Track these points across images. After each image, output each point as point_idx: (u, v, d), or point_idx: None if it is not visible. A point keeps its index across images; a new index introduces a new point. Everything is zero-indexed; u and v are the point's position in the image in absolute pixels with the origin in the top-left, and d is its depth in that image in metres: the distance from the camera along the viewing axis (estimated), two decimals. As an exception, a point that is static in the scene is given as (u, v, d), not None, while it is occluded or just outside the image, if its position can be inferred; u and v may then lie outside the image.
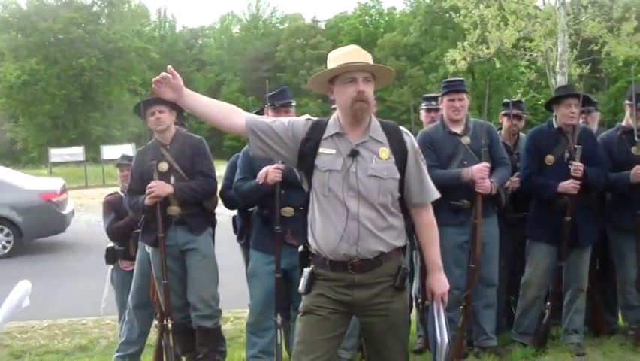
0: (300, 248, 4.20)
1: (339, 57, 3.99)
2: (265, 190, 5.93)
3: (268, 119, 4.19)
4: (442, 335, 4.04)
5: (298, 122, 4.10)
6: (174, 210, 6.23)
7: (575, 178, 6.27)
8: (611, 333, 7.07)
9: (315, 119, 4.17)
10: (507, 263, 6.93)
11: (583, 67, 27.98)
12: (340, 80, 3.98)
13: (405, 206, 4.09)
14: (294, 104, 6.43)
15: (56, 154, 38.99)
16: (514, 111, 7.29)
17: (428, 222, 4.15)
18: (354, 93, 3.91)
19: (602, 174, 6.43)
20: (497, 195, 6.37)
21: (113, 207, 7.33)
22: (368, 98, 3.94)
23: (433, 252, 4.16)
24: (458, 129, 6.44)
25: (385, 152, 3.99)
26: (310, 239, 4.09)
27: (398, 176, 3.98)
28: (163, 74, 3.87)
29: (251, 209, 6.38)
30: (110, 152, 32.64)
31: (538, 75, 29.53)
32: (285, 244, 6.05)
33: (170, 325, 6.32)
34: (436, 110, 7.21)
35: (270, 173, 5.85)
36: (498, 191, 6.32)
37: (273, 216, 6.03)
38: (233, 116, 4.04)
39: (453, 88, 6.51)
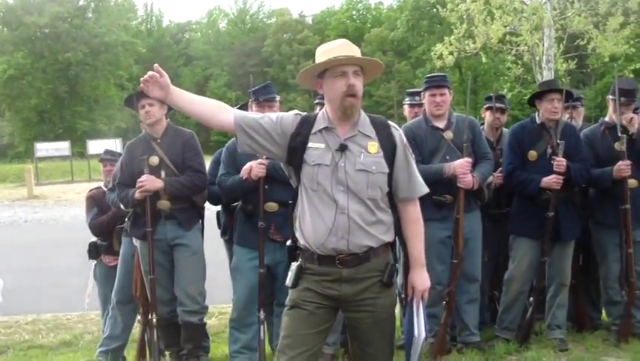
0: (289, 242, 4.18)
1: (328, 51, 3.99)
2: (249, 185, 5.93)
3: (256, 115, 4.17)
4: (420, 331, 4.01)
5: (287, 117, 4.09)
6: (164, 204, 6.22)
7: (558, 173, 6.29)
8: (594, 328, 7.08)
9: (304, 113, 4.16)
10: (490, 258, 6.94)
11: (569, 62, 27.99)
12: (330, 74, 3.97)
13: (393, 201, 4.08)
14: (278, 98, 6.44)
15: (42, 149, 38.95)
16: (497, 105, 7.30)
17: (415, 217, 4.12)
18: (344, 87, 3.91)
19: (584, 169, 6.46)
20: (480, 190, 6.38)
21: (95, 202, 7.30)
22: (358, 93, 3.94)
23: (417, 247, 4.13)
24: (441, 124, 6.44)
25: (374, 146, 3.98)
26: (298, 234, 4.08)
27: (387, 170, 3.97)
28: (150, 72, 3.86)
29: (234, 204, 6.38)
30: (96, 146, 32.32)
31: (525, 70, 29.56)
32: (268, 240, 6.07)
33: (154, 319, 6.31)
34: (420, 105, 7.22)
35: (254, 168, 5.85)
36: (481, 186, 6.33)
37: (256, 211, 6.03)
38: (221, 113, 4.03)
39: (434, 83, 6.52)
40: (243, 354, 6.23)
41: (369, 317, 3.99)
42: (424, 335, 4.01)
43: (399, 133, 4.08)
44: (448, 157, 6.29)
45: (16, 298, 10.75)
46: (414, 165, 4.10)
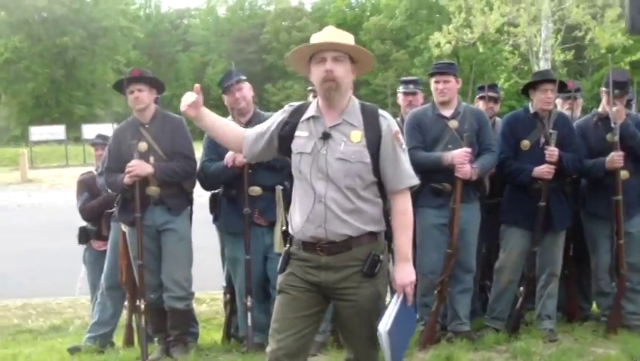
0: (283, 228, 4.25)
1: (316, 38, 4.00)
2: (233, 172, 5.92)
3: (258, 127, 4.28)
4: (386, 325, 3.92)
5: (277, 113, 4.22)
6: (153, 190, 6.19)
7: (550, 163, 6.27)
8: (584, 319, 7.07)
9: (297, 104, 4.20)
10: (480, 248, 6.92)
11: (566, 53, 27.99)
12: (314, 61, 3.99)
13: (384, 191, 4.06)
14: (243, 78, 6.43)
15: (37, 132, 38.81)
16: (490, 94, 7.29)
17: (402, 209, 4.06)
18: (323, 73, 3.91)
19: (576, 159, 6.44)
20: (480, 181, 6.37)
21: (86, 186, 7.29)
22: (337, 78, 3.91)
23: (403, 240, 4.06)
24: (447, 113, 6.42)
25: (357, 135, 3.96)
26: (289, 219, 4.12)
27: (368, 160, 3.94)
28: (192, 94, 4.11)
29: (218, 190, 6.39)
30: (92, 131, 31.79)
31: (522, 61, 29.54)
32: (253, 225, 6.09)
33: (142, 305, 6.29)
34: (413, 93, 7.24)
35: (238, 156, 5.85)
36: (481, 177, 6.32)
37: (240, 195, 6.04)
38: (235, 139, 4.29)
39: (438, 70, 6.51)
40: (256, 335, 6.26)
41: (351, 305, 3.97)
42: (388, 328, 3.92)
43: (387, 123, 4.04)
44: (450, 146, 6.27)
45: (7, 282, 10.78)
46: (402, 156, 4.05)
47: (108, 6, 57.01)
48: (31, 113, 54.23)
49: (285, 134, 4.07)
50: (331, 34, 3.98)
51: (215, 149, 6.14)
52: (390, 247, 4.13)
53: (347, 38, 4.00)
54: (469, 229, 6.40)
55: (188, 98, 4.09)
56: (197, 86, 4.18)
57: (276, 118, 4.19)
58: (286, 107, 4.23)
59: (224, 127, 4.34)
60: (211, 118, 4.25)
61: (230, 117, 6.39)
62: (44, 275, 11.26)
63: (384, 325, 3.89)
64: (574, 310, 7.08)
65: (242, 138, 4.25)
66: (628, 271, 6.60)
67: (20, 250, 13.38)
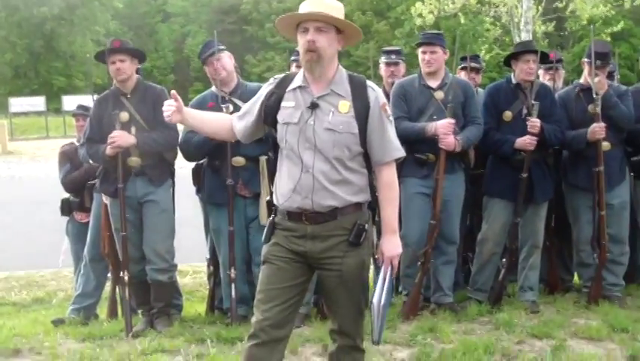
0: (267, 198, 4.23)
1: (303, 7, 3.96)
2: (216, 143, 5.90)
3: (244, 107, 4.29)
4: (380, 298, 3.97)
5: (264, 86, 4.20)
6: (134, 161, 6.16)
7: (532, 134, 6.29)
8: (566, 290, 7.16)
9: (283, 75, 4.19)
10: (464, 220, 6.95)
11: (547, 24, 28.01)
12: (299, 30, 3.96)
13: (369, 162, 4.05)
14: (222, 48, 6.40)
15: (16, 104, 38.54)
16: (472, 65, 7.30)
17: (387, 182, 4.05)
18: (305, 43, 3.89)
19: (558, 131, 6.47)
20: (465, 153, 6.39)
21: (68, 157, 7.25)
22: (319, 49, 3.87)
23: (389, 213, 4.07)
24: (434, 84, 6.42)
25: (345, 105, 3.94)
26: (274, 190, 4.11)
27: (356, 130, 3.93)
28: (170, 102, 4.12)
29: (201, 161, 6.37)
30: (72, 102, 31.18)
31: (503, 32, 29.52)
32: (237, 196, 6.10)
33: (126, 278, 6.28)
34: (395, 63, 7.23)
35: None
36: (465, 149, 6.33)
37: (223, 167, 6.04)
38: (225, 125, 4.30)
39: (426, 40, 6.50)
40: (240, 307, 6.30)
41: (336, 275, 3.98)
42: (383, 302, 3.97)
43: (375, 94, 4.02)
44: (435, 117, 6.26)
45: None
46: (389, 128, 4.04)
47: (87, -25, 56.43)
48: (10, 85, 53.66)
49: (272, 105, 4.05)
50: (318, 4, 3.92)
51: None
52: (374, 218, 4.14)
53: (335, 8, 3.96)
54: (452, 200, 6.42)
55: (169, 107, 4.09)
56: (173, 92, 4.18)
57: (262, 91, 4.16)
58: (271, 79, 4.21)
59: (211, 122, 4.36)
60: (196, 118, 4.27)
61: (213, 88, 6.37)
62: (27, 248, 11.23)
63: (378, 298, 3.92)
64: (555, 282, 7.15)
65: (230, 124, 4.25)
66: (609, 242, 6.65)
67: (2, 222, 13.33)
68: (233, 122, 4.24)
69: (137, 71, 6.39)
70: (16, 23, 53.71)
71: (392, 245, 4.05)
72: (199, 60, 6.47)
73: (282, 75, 4.19)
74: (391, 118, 4.10)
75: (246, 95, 5.76)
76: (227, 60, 6.33)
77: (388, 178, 4.06)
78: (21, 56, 54.12)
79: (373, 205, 4.08)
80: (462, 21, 33.01)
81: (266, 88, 4.15)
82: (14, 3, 53.46)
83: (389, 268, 4.04)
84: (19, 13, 53.61)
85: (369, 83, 4.07)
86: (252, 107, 4.18)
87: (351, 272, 3.99)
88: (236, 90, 6.25)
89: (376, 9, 59.90)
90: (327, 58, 3.94)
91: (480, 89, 7.36)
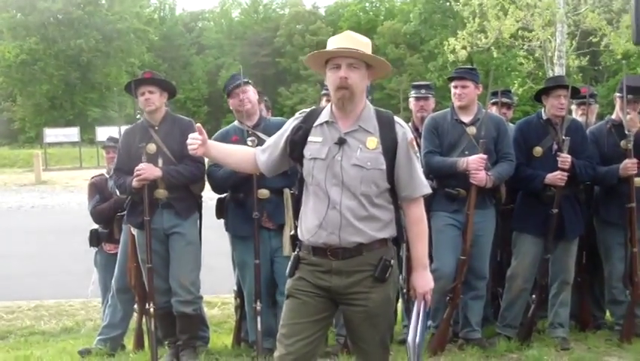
0: (292, 232, 4.22)
1: (332, 41, 3.98)
2: (240, 176, 5.92)
3: (269, 140, 4.30)
4: (414, 335, 3.96)
5: (290, 120, 4.21)
6: (161, 193, 6.19)
7: (563, 170, 6.24)
8: (597, 328, 7.04)
9: (309, 109, 4.19)
10: (495, 255, 6.88)
11: (581, 59, 27.90)
12: (328, 67, 3.97)
13: (396, 198, 4.03)
14: (248, 81, 6.43)
15: (51, 134, 38.98)
16: (503, 100, 7.28)
17: (416, 218, 4.04)
18: (337, 80, 3.89)
19: (589, 166, 6.41)
20: (496, 188, 6.36)
21: (97, 189, 7.28)
22: (351, 86, 3.88)
23: (419, 248, 4.06)
24: (466, 119, 6.41)
25: (373, 141, 3.94)
26: (298, 224, 4.10)
27: (384, 167, 3.93)
28: (195, 135, 4.14)
29: (224, 195, 6.40)
30: (105, 133, 31.86)
31: (537, 66, 29.44)
32: (261, 228, 6.10)
33: (152, 309, 6.29)
34: (425, 98, 7.19)
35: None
36: (496, 185, 6.30)
37: (248, 199, 6.05)
38: (248, 161, 4.30)
39: (457, 74, 6.51)
40: (266, 340, 6.26)
41: (361, 311, 3.95)
42: (418, 340, 3.95)
43: (403, 130, 4.02)
44: (467, 152, 6.25)
45: (20, 284, 10.81)
46: (417, 165, 4.03)
47: (123, 8, 57.16)
48: (45, 115, 54.43)
49: (298, 140, 4.04)
50: (347, 40, 3.95)
51: None
52: (399, 254, 4.12)
53: (364, 44, 3.97)
54: (483, 235, 6.38)
55: (194, 140, 4.11)
56: (198, 125, 4.23)
57: (288, 125, 4.17)
58: (297, 114, 4.22)
59: (235, 155, 4.39)
60: (220, 151, 4.30)
61: (236, 122, 6.40)
62: (57, 277, 11.28)
63: (413, 337, 3.92)
64: (587, 319, 7.04)
65: (253, 157, 4.26)
66: (642, 279, 6.56)
67: (33, 251, 13.42)
68: (257, 155, 4.24)
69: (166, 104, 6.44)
70: (53, 55, 54.58)
71: (424, 280, 4.05)
72: (258, 84, 6.50)
73: (308, 110, 4.20)
74: (418, 155, 4.10)
75: (269, 129, 5.80)
76: (252, 93, 6.37)
77: (417, 214, 4.05)
78: (57, 87, 54.95)
79: (398, 240, 4.06)
80: (495, 55, 33.02)
81: (292, 122, 4.15)
82: (52, 35, 54.36)
83: (422, 304, 4.01)
84: (57, 45, 54.48)
85: (396, 119, 4.06)
86: (277, 141, 4.18)
87: (376, 308, 3.96)
88: (259, 124, 6.27)
89: (409, 42, 60.16)
90: (358, 94, 3.95)
91: (511, 124, 7.31)
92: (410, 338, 3.94)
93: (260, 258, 6.19)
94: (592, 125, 7.09)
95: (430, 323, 6.51)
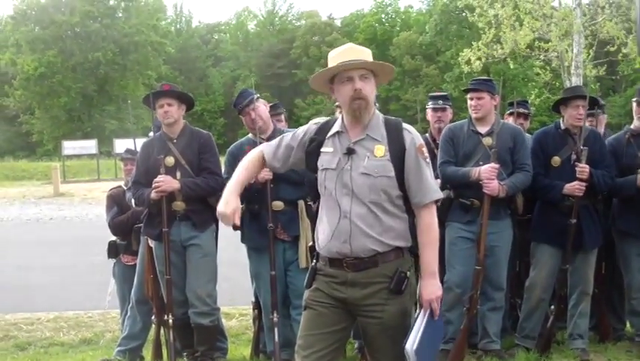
0: (310, 243, 4.23)
1: (336, 56, 4.01)
2: (256, 188, 5.95)
3: (282, 140, 4.28)
4: (411, 343, 3.89)
5: (302, 128, 4.24)
6: (179, 205, 6.22)
7: (581, 180, 6.22)
8: (617, 339, 6.99)
9: (323, 120, 4.22)
10: (513, 266, 6.86)
11: (599, 68, 27.79)
12: (338, 80, 4.00)
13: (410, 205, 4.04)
14: (257, 96, 6.41)
15: (69, 147, 39.19)
16: (520, 110, 7.27)
17: (426, 224, 4.02)
18: (351, 92, 3.92)
19: (608, 176, 6.37)
20: (512, 199, 6.34)
21: (115, 201, 7.31)
22: (366, 96, 3.93)
23: (428, 255, 4.03)
24: (483, 129, 6.41)
25: (381, 149, 3.97)
26: (315, 236, 4.13)
27: (392, 174, 3.94)
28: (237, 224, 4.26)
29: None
30: (123, 145, 32.10)
31: (554, 76, 29.35)
32: (277, 240, 6.12)
33: (170, 320, 6.31)
34: (442, 109, 7.19)
35: (261, 172, 5.89)
36: (512, 195, 6.28)
37: (262, 211, 6.06)
38: (257, 167, 4.38)
39: (472, 86, 6.52)
40: (284, 351, 6.28)
41: (376, 323, 3.96)
42: (415, 347, 3.89)
43: (411, 136, 4.03)
44: (482, 163, 6.23)
45: (40, 295, 10.86)
46: (426, 170, 4.03)
47: (140, 21, 57.51)
48: (63, 128, 54.78)
49: (312, 151, 4.09)
50: (353, 53, 3.99)
51: (236, 165, 6.19)
52: (416, 263, 4.12)
53: (366, 54, 4.03)
54: (499, 246, 6.35)
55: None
56: (236, 223, 4.25)
57: (301, 131, 4.20)
58: (311, 125, 4.23)
59: (249, 173, 4.36)
60: (242, 183, 4.28)
61: (250, 135, 6.42)
62: (76, 288, 11.32)
63: (412, 343, 3.87)
64: (606, 330, 6.99)
65: (261, 157, 4.28)
66: (661, 290, 6.52)
67: (52, 263, 13.48)
68: (265, 152, 4.25)
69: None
70: (71, 67, 54.95)
71: (432, 288, 4.02)
72: (272, 97, 6.51)
73: (323, 120, 4.23)
74: (428, 160, 4.10)
75: None
76: (262, 108, 6.38)
77: (427, 220, 4.03)
78: (75, 100, 55.32)
79: (415, 250, 4.05)
80: (511, 65, 32.95)
81: (307, 132, 4.18)
82: (70, 48, 54.70)
83: (427, 312, 4.00)
84: (74, 57, 54.82)
85: (405, 125, 4.09)
86: (293, 139, 4.20)
87: (392, 320, 3.97)
88: (273, 136, 6.28)
89: (425, 53, 60.13)
90: (370, 103, 4.00)
91: (528, 135, 7.29)
92: (408, 345, 3.88)
93: (275, 269, 6.20)
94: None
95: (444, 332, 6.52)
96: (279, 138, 4.29)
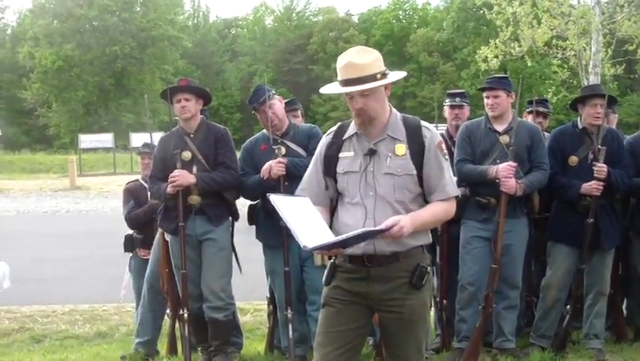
0: None
1: (339, 70, 3.98)
2: (269, 184, 5.94)
3: (307, 173, 4.26)
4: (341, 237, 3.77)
5: (319, 148, 4.23)
6: (195, 199, 6.24)
7: (598, 180, 6.18)
8: (634, 339, 6.95)
9: (336, 126, 4.25)
10: (528, 264, 6.83)
11: (617, 67, 27.62)
12: (344, 93, 3.99)
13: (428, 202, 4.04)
14: (272, 93, 6.37)
15: (86, 140, 39.27)
16: (539, 109, 7.23)
17: (444, 205, 4.01)
18: (353, 109, 3.95)
19: (626, 176, 6.33)
20: (528, 197, 6.31)
21: (132, 194, 7.34)
22: (367, 111, 3.93)
23: (424, 212, 3.96)
24: (500, 127, 6.38)
25: (402, 148, 3.98)
26: (334, 233, 4.07)
27: (414, 172, 3.95)
28: None
29: (255, 202, 6.42)
30: (139, 139, 32.21)
31: (571, 74, 29.20)
32: (291, 238, 6.11)
33: (186, 315, 6.33)
34: (460, 106, 7.14)
35: (274, 167, 5.95)
36: (529, 193, 6.25)
37: None
38: (325, 213, 4.14)
39: (488, 85, 6.48)
40: (298, 347, 6.31)
41: (398, 317, 3.97)
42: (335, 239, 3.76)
43: (430, 134, 4.04)
44: (498, 161, 6.21)
45: (55, 288, 10.92)
46: (445, 167, 4.04)
47: (157, 16, 57.52)
48: (80, 121, 54.89)
49: (332, 154, 4.10)
50: (351, 70, 3.91)
51: (251, 161, 6.27)
52: (434, 260, 4.12)
53: (368, 66, 3.91)
54: (515, 245, 6.33)
55: None
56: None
57: (320, 147, 4.22)
58: (324, 136, 4.27)
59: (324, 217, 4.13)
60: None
61: (264, 131, 6.41)
62: (91, 281, 11.38)
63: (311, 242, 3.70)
64: (622, 330, 6.96)
65: (324, 207, 4.14)
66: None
67: (68, 256, 13.56)
68: (312, 201, 4.06)
69: (202, 112, 6.48)
70: (88, 61, 55.03)
71: (403, 222, 3.79)
72: (289, 93, 6.48)
73: (335, 127, 4.25)
74: (447, 157, 4.10)
75: (299, 137, 5.87)
76: (278, 105, 6.36)
77: (445, 205, 4.02)
78: (92, 94, 55.39)
79: (434, 247, 4.06)
80: (529, 63, 32.81)
81: (322, 142, 4.21)
82: (87, 42, 54.82)
83: (379, 227, 3.79)
84: (92, 51, 54.93)
85: (423, 123, 4.10)
86: (316, 172, 4.17)
87: (412, 314, 3.99)
88: (288, 132, 6.29)
89: (442, 50, 60.00)
90: (379, 111, 3.99)
91: (546, 133, 7.26)
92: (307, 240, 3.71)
93: (290, 265, 6.21)
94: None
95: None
96: (304, 181, 4.24)
